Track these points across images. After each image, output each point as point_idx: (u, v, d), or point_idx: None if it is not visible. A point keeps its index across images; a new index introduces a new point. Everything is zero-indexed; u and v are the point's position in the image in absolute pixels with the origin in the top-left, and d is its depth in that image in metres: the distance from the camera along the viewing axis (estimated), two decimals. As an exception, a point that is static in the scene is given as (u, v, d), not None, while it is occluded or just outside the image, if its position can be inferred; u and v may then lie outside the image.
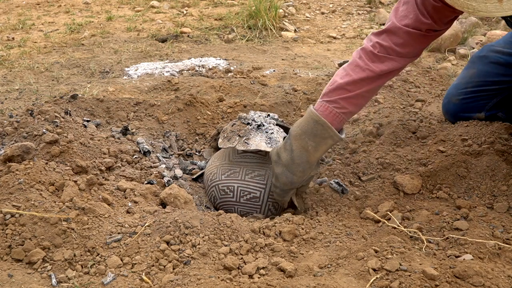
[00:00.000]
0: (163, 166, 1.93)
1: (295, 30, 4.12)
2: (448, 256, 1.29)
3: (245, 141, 1.71)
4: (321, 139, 1.53)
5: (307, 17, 4.47)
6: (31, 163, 1.59)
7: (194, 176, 1.95)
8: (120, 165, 1.86)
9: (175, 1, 5.01)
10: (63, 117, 1.95)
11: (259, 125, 1.78)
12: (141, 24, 4.26)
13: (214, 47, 3.65)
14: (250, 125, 1.78)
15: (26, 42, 3.75)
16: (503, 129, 1.81)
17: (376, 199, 1.61)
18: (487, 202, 1.53)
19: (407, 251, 1.29)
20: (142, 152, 1.97)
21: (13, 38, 3.86)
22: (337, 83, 1.55)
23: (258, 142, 1.71)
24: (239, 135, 1.74)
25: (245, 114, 1.85)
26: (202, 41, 3.81)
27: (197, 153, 2.11)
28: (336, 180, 1.72)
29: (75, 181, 1.59)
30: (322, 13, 4.61)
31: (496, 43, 1.99)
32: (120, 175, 1.80)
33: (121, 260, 1.33)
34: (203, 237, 1.39)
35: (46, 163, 1.64)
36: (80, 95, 2.28)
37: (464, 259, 1.27)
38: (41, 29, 4.16)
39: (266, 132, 1.75)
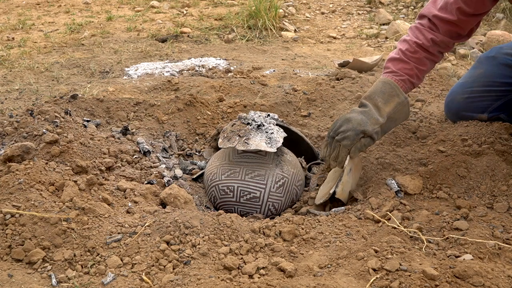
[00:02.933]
0: (163, 166, 1.93)
1: (295, 30, 4.12)
2: (448, 256, 1.29)
3: (245, 141, 1.71)
4: (389, 96, 1.67)
5: (307, 17, 4.47)
6: (31, 163, 1.59)
7: (194, 176, 1.95)
8: (120, 165, 1.86)
9: (175, 1, 5.01)
10: (63, 117, 1.95)
11: (259, 125, 1.78)
12: (141, 24, 4.26)
13: (214, 47, 3.65)
14: (250, 125, 1.78)
15: (26, 42, 3.75)
16: (503, 129, 1.81)
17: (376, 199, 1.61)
18: (487, 202, 1.53)
19: (407, 251, 1.29)
20: (142, 152, 1.97)
21: (13, 38, 3.87)
22: (390, 57, 1.77)
23: (258, 142, 1.71)
24: (239, 135, 1.74)
25: (245, 114, 1.85)
26: (202, 41, 3.81)
27: (197, 153, 2.11)
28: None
29: (75, 181, 1.59)
30: (322, 13, 4.61)
31: (506, 45, 1.99)
32: (120, 175, 1.80)
33: (121, 260, 1.33)
34: (203, 237, 1.39)
35: (46, 163, 1.64)
36: (80, 95, 2.28)
37: (464, 259, 1.27)
38: (41, 29, 4.16)
39: (266, 132, 1.75)
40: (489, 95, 1.90)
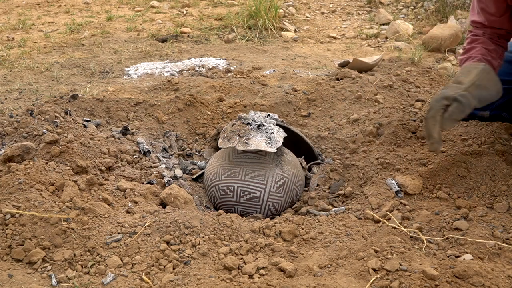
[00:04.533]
0: (163, 166, 1.93)
1: (295, 30, 4.12)
2: (448, 256, 1.29)
3: (245, 141, 1.71)
4: (468, 70, 1.63)
5: (307, 17, 4.47)
6: (31, 163, 1.59)
7: (194, 176, 1.95)
8: (120, 165, 1.86)
9: (175, 1, 5.01)
10: (63, 117, 1.95)
11: (259, 125, 1.78)
12: (141, 24, 4.26)
13: (214, 47, 3.65)
14: (250, 125, 1.78)
15: (26, 42, 3.75)
16: (503, 129, 1.81)
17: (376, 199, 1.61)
18: (487, 202, 1.53)
19: (407, 251, 1.29)
20: (142, 152, 1.97)
21: (13, 38, 3.86)
22: (458, 58, 1.82)
23: (258, 142, 1.71)
24: (239, 135, 1.74)
25: (245, 114, 1.85)
26: (202, 41, 3.81)
27: (197, 153, 2.11)
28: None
29: (75, 181, 1.59)
30: (322, 13, 4.61)
31: (509, 43, 1.98)
32: (120, 175, 1.80)
33: (121, 260, 1.33)
34: (203, 237, 1.39)
35: (46, 163, 1.64)
36: (80, 95, 2.28)
37: (464, 259, 1.27)
38: (41, 29, 4.16)
39: (266, 132, 1.75)
40: None
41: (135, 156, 1.94)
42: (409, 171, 1.70)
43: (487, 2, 1.72)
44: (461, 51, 1.87)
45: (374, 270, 1.23)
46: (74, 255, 1.33)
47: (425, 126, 1.55)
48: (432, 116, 1.52)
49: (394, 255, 1.28)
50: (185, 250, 1.35)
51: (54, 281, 1.26)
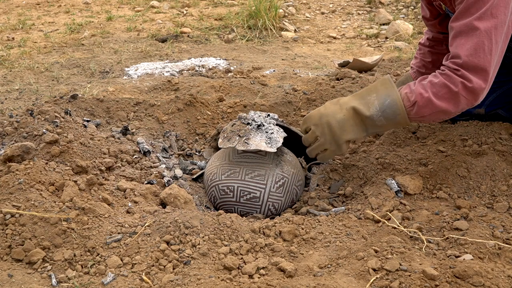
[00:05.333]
0: (163, 166, 1.93)
1: (295, 30, 4.12)
2: (448, 256, 1.29)
3: (245, 141, 1.71)
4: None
5: (307, 17, 4.47)
6: (31, 163, 1.59)
7: (194, 176, 1.95)
8: (120, 165, 1.86)
9: (175, 1, 5.01)
10: (63, 117, 1.95)
11: (259, 125, 1.78)
12: (141, 24, 4.27)
13: (214, 47, 3.65)
14: (250, 125, 1.78)
15: (26, 42, 3.75)
16: (503, 129, 1.81)
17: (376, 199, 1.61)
18: (487, 202, 1.53)
19: (407, 251, 1.29)
20: (142, 152, 1.97)
21: (13, 38, 3.87)
22: None
23: (258, 142, 1.71)
24: (239, 135, 1.74)
25: (245, 114, 1.85)
26: (202, 41, 3.81)
27: (197, 153, 2.11)
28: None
29: (75, 181, 1.59)
30: (322, 13, 4.61)
31: None
32: (120, 175, 1.80)
33: (121, 260, 1.33)
34: (203, 237, 1.39)
35: (46, 163, 1.64)
36: (80, 95, 2.28)
37: (464, 259, 1.27)
38: (41, 29, 4.16)
39: (266, 132, 1.75)
40: None
41: (135, 156, 1.94)
42: (409, 171, 1.70)
43: (423, 7, 1.98)
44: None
45: (374, 270, 1.23)
46: (74, 255, 1.33)
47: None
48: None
49: (394, 255, 1.28)
50: (185, 250, 1.35)
51: (54, 281, 1.26)
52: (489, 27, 1.47)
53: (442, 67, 1.58)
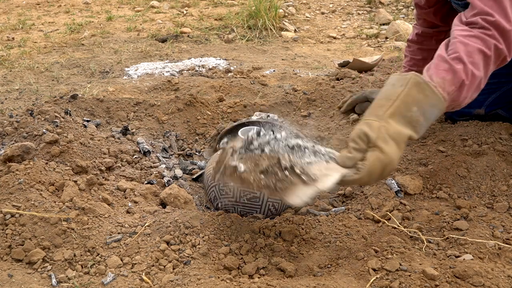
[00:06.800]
0: (163, 166, 1.93)
1: (295, 30, 4.12)
2: (448, 256, 1.29)
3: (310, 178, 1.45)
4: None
5: (307, 17, 4.47)
6: (31, 163, 1.59)
7: (194, 176, 1.95)
8: (120, 165, 1.86)
9: (175, 1, 5.01)
10: (63, 117, 1.95)
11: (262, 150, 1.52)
12: (141, 24, 4.27)
13: (214, 47, 3.65)
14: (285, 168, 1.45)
15: (26, 42, 3.75)
16: (503, 129, 1.81)
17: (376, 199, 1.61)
18: (487, 202, 1.53)
19: (407, 251, 1.29)
20: (142, 152, 1.97)
21: (13, 38, 3.87)
22: None
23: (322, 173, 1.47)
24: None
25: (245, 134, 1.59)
26: (202, 41, 3.81)
27: (197, 153, 2.11)
28: None
29: (75, 181, 1.59)
30: (322, 13, 4.61)
31: None
32: (120, 175, 1.80)
33: (121, 260, 1.33)
34: (203, 237, 1.39)
35: (46, 163, 1.64)
36: (80, 95, 2.28)
37: (464, 259, 1.27)
38: (41, 29, 4.16)
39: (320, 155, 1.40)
40: (483, 88, 1.90)
41: (135, 156, 1.94)
42: (409, 171, 1.70)
43: None
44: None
45: (374, 270, 1.23)
46: (74, 255, 1.33)
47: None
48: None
49: (394, 255, 1.28)
50: (185, 250, 1.35)
51: (54, 281, 1.26)
52: None
53: (462, 27, 1.34)
